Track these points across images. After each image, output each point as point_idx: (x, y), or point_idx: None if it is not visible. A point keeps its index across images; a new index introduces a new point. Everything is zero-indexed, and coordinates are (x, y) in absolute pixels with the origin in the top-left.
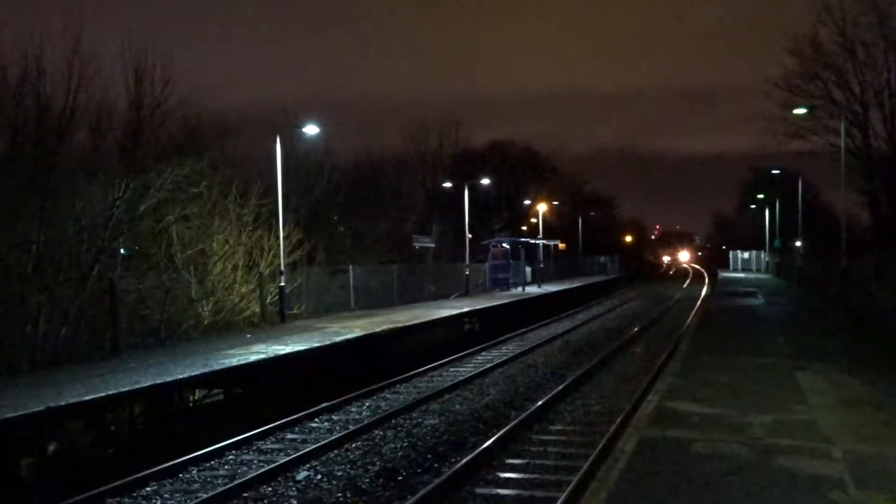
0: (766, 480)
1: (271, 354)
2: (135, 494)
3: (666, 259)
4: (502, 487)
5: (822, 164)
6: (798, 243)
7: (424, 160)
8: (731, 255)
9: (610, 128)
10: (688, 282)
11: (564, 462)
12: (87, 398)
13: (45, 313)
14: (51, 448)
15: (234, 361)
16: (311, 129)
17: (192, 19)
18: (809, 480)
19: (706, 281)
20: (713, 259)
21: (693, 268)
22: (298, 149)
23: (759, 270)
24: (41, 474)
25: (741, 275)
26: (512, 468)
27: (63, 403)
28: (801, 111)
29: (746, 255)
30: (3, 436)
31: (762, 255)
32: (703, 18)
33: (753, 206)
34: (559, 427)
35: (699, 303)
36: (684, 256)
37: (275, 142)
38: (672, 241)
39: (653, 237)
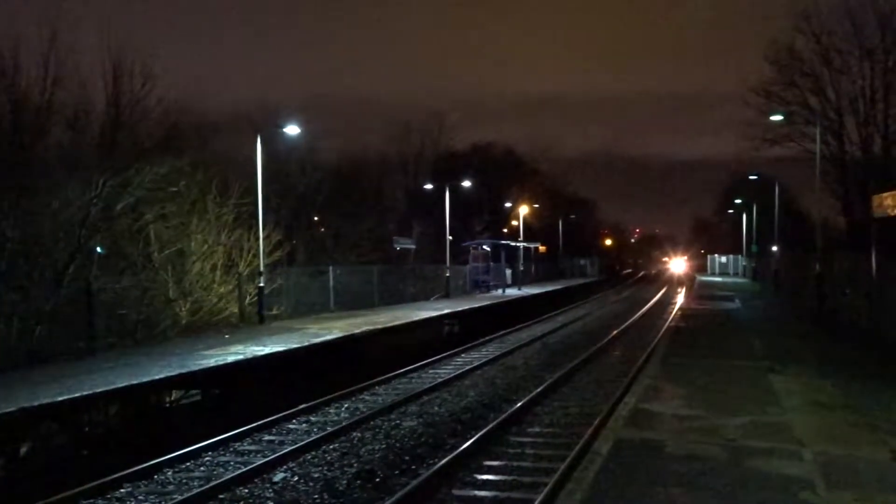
0: (738, 481)
1: (249, 355)
2: (109, 496)
3: (665, 260)
4: (480, 489)
5: (799, 170)
6: (774, 248)
7: (406, 161)
8: (709, 259)
9: (595, 132)
10: (666, 286)
11: (542, 464)
12: (61, 398)
13: (19, 312)
14: (24, 449)
15: (212, 362)
16: (292, 130)
17: (173, 16)
18: (780, 481)
19: (684, 285)
20: (701, 266)
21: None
22: (280, 149)
23: (736, 274)
24: (14, 475)
25: (718, 279)
26: (489, 470)
27: (37, 404)
28: (777, 118)
29: (724, 259)
30: None
31: (740, 260)
32: (687, 25)
33: (732, 211)
34: (537, 429)
35: (677, 307)
36: (678, 266)
37: (256, 141)
38: (663, 244)
39: (632, 240)
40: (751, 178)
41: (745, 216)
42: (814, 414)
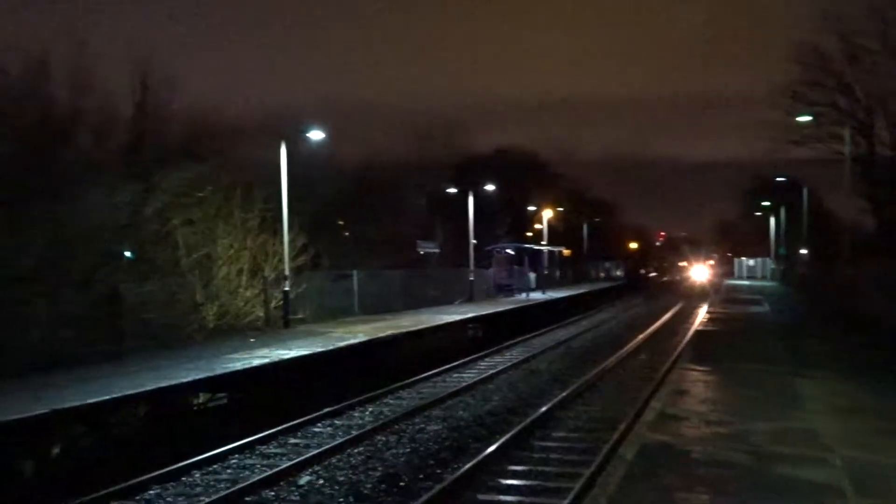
0: (764, 487)
1: (275, 359)
2: (137, 497)
3: (684, 265)
4: (504, 494)
5: (824, 169)
6: (803, 251)
7: (427, 165)
8: (735, 263)
9: (615, 134)
10: (692, 291)
11: (567, 469)
12: (90, 401)
13: (47, 316)
14: (54, 451)
15: (238, 365)
16: (316, 135)
17: (196, 24)
18: (808, 488)
19: (710, 289)
20: (728, 271)
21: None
22: (302, 153)
23: (764, 278)
24: (44, 476)
25: (746, 282)
26: (514, 475)
27: (66, 406)
28: (805, 119)
29: (752, 262)
30: (6, 438)
31: (768, 262)
32: (710, 25)
33: (759, 214)
34: (562, 434)
35: (703, 311)
36: (700, 273)
37: (280, 147)
38: (686, 247)
39: (657, 244)
40: (778, 179)
41: (772, 219)
42: (841, 419)
